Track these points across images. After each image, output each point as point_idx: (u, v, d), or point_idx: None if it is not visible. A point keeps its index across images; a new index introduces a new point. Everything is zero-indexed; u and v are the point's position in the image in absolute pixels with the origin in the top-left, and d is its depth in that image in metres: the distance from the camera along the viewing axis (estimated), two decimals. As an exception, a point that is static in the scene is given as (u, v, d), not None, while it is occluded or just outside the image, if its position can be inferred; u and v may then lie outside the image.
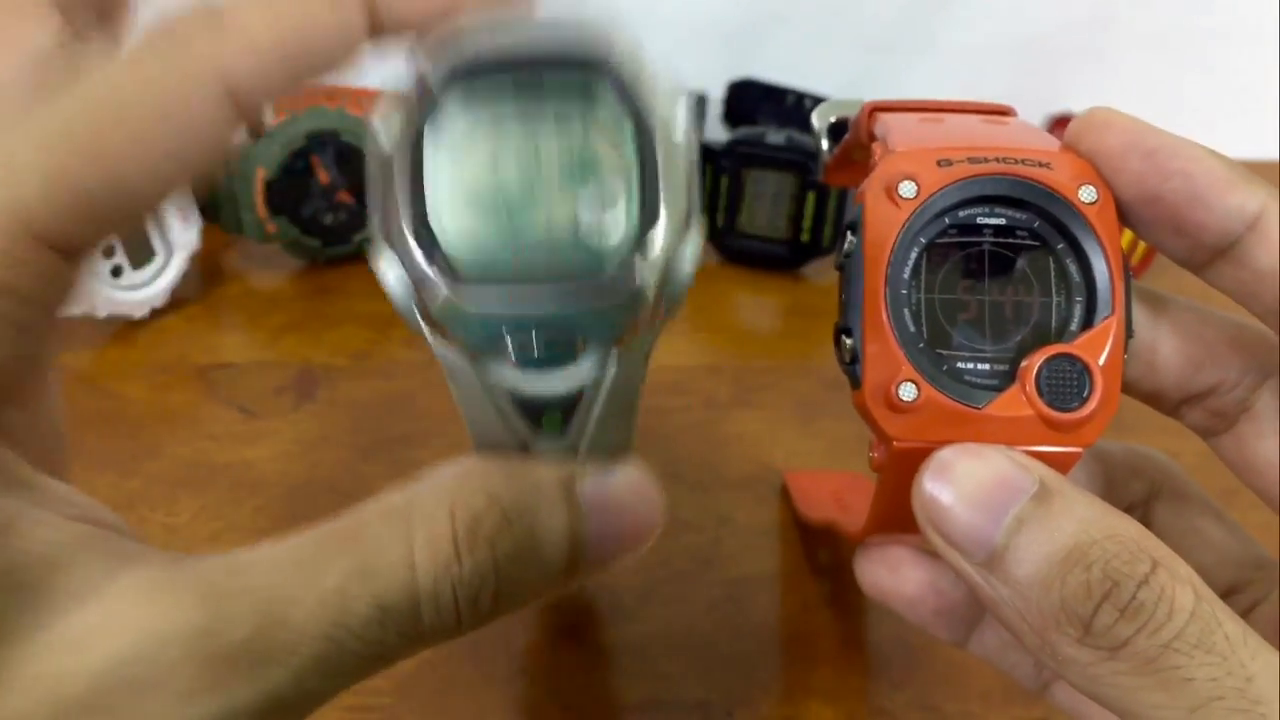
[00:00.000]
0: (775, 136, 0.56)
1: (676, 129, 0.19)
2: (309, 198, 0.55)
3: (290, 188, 0.54)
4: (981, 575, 0.19)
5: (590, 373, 0.20)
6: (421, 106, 0.19)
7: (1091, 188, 0.21)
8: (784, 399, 0.48)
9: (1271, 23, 0.67)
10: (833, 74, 0.68)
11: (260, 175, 0.53)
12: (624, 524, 0.21)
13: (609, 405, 0.20)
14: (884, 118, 0.24)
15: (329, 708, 0.19)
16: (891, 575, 0.26)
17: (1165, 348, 0.23)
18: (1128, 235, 0.22)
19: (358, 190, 0.55)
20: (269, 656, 0.17)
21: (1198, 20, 0.69)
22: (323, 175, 0.55)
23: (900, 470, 0.21)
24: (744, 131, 0.57)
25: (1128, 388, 0.23)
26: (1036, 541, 0.18)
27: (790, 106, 0.66)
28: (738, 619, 0.37)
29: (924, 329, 0.21)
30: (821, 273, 0.58)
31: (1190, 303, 0.24)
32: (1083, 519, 0.18)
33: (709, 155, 0.56)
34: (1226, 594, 0.25)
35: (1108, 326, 0.21)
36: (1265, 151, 0.69)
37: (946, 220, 0.22)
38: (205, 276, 0.55)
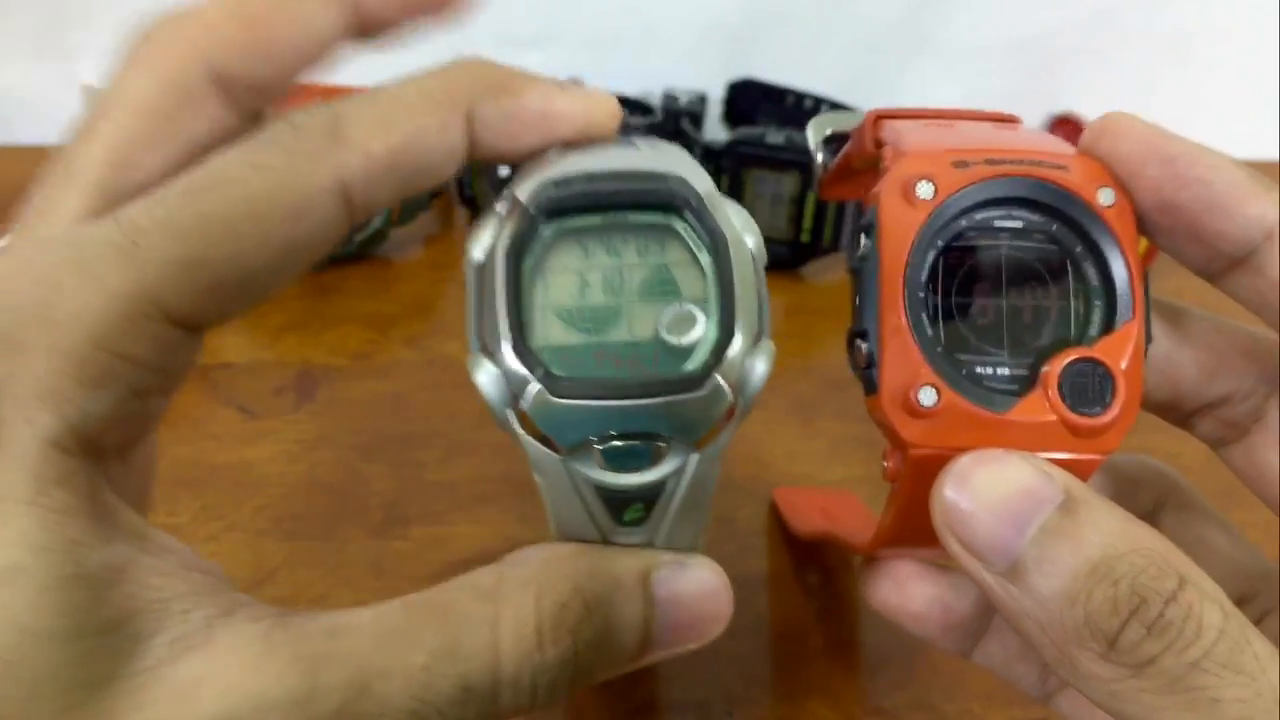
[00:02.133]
0: (775, 136, 0.56)
1: (748, 259, 0.21)
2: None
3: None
4: (1001, 585, 0.19)
5: (671, 470, 0.21)
6: (520, 233, 0.21)
7: (1110, 190, 0.21)
8: (784, 399, 0.48)
9: (1271, 23, 0.67)
10: (832, 74, 0.68)
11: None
12: (692, 617, 0.22)
13: (686, 500, 0.22)
14: (892, 124, 0.23)
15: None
16: (898, 591, 0.26)
17: (1180, 357, 0.23)
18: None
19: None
20: None
21: (1198, 20, 0.69)
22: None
23: (917, 478, 0.21)
24: (744, 131, 0.57)
25: (1142, 398, 0.23)
26: (1062, 554, 0.18)
27: (790, 106, 0.66)
28: (737, 619, 0.37)
29: (941, 333, 0.21)
30: (822, 273, 0.58)
31: (1204, 313, 0.23)
32: (1109, 531, 0.18)
33: (709, 155, 0.56)
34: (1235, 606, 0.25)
35: (1129, 330, 0.21)
36: (1265, 151, 0.69)
37: (964, 223, 0.21)
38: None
